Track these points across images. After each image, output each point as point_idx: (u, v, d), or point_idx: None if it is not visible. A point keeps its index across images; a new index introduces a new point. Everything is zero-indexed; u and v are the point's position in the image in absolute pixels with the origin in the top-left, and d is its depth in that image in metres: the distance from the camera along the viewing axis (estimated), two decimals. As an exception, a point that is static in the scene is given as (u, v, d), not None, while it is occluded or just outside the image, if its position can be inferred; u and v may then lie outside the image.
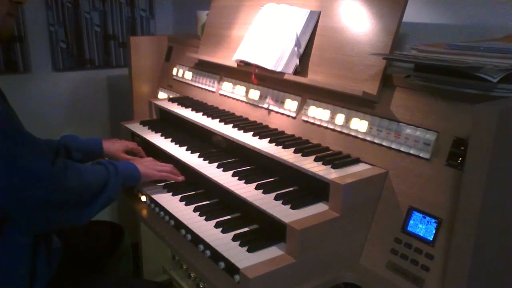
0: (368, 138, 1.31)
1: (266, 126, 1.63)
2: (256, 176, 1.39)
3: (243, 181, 1.36)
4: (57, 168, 1.16)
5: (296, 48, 1.52)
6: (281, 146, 1.41)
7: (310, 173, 1.25)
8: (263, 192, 1.29)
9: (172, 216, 1.37)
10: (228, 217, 1.35)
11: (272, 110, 1.65)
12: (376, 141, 1.29)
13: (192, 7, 2.32)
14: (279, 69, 1.53)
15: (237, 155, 1.56)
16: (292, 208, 1.20)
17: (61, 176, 1.16)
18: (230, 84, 1.84)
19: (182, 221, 1.32)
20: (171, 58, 2.32)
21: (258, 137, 1.51)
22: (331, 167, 1.26)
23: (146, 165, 1.50)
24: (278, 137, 1.48)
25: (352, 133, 1.36)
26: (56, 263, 1.33)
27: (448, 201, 1.10)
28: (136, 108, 2.35)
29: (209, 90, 1.98)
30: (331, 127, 1.42)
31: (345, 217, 1.18)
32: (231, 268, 1.12)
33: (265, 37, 1.63)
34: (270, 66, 1.55)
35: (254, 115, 1.71)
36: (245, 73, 1.72)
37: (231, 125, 1.62)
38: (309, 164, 1.28)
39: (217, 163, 1.49)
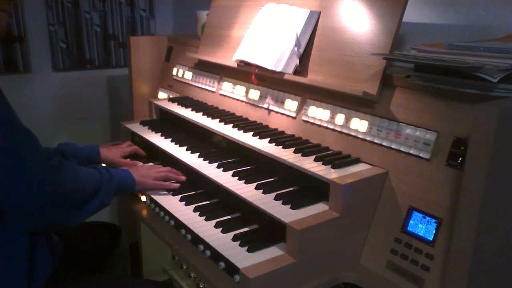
0: (368, 138, 1.31)
1: (266, 126, 1.63)
2: (256, 176, 1.39)
3: (243, 181, 1.36)
4: (51, 163, 1.16)
5: (296, 48, 1.52)
6: (281, 146, 1.41)
7: (310, 173, 1.25)
8: (263, 192, 1.29)
9: (172, 216, 1.37)
10: (228, 217, 1.35)
11: (272, 110, 1.65)
12: (376, 141, 1.29)
13: (192, 7, 2.32)
14: (279, 69, 1.53)
15: (237, 155, 1.56)
16: (292, 208, 1.20)
17: (55, 172, 1.16)
18: (230, 84, 1.84)
19: (182, 221, 1.32)
20: (171, 58, 2.32)
21: (258, 137, 1.51)
22: (331, 167, 1.26)
23: (142, 174, 1.49)
24: (278, 137, 1.48)
25: (352, 133, 1.36)
26: (55, 261, 1.33)
27: (448, 201, 1.10)
28: (136, 108, 2.35)
29: (209, 90, 1.98)
30: (331, 127, 1.42)
31: (345, 217, 1.18)
32: (231, 268, 1.11)
33: (265, 37, 1.63)
34: (270, 66, 1.55)
35: (254, 115, 1.71)
36: (245, 73, 1.72)
37: (231, 125, 1.62)
38: (309, 164, 1.28)
39: (217, 163, 1.49)
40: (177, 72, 2.20)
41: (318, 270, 1.18)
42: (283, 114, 1.60)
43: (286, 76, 1.52)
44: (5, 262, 1.18)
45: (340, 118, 1.39)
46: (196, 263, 1.21)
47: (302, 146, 1.40)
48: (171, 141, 1.72)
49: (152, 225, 1.43)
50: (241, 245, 1.19)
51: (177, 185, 1.52)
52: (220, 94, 1.91)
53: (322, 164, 1.28)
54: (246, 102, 1.76)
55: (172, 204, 1.43)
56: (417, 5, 1.53)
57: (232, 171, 1.42)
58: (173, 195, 1.49)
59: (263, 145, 1.44)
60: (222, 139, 1.64)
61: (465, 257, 0.97)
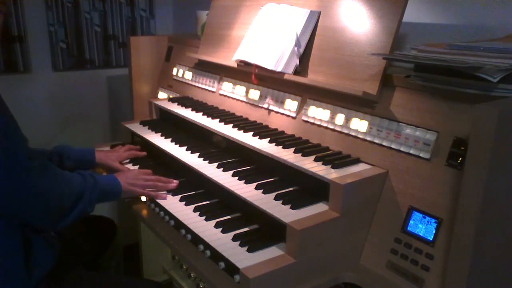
0: (368, 138, 1.31)
1: (266, 126, 1.63)
2: (256, 176, 1.39)
3: (243, 181, 1.36)
4: (33, 164, 1.14)
5: (296, 48, 1.52)
6: (281, 146, 1.41)
7: (310, 173, 1.25)
8: (263, 192, 1.29)
9: (172, 216, 1.37)
10: (228, 217, 1.35)
11: (272, 110, 1.65)
12: (376, 141, 1.29)
13: (192, 7, 2.32)
14: (279, 69, 1.53)
15: (237, 155, 1.56)
16: (292, 208, 1.20)
17: (36, 174, 1.15)
18: (230, 84, 1.84)
19: (182, 221, 1.32)
20: (171, 58, 2.32)
21: (258, 137, 1.51)
22: (331, 167, 1.26)
23: (130, 181, 1.46)
24: (278, 137, 1.48)
25: (352, 133, 1.36)
26: (54, 257, 1.32)
27: (448, 201, 1.10)
28: (136, 108, 2.35)
29: (209, 90, 1.98)
30: (331, 127, 1.42)
31: (345, 217, 1.18)
32: (231, 268, 1.12)
33: (265, 37, 1.63)
34: (270, 66, 1.55)
35: (254, 115, 1.71)
36: (245, 73, 1.72)
37: (231, 125, 1.62)
38: (309, 164, 1.28)
39: (217, 163, 1.49)
40: (177, 72, 2.20)
41: (318, 270, 1.18)
42: (283, 114, 1.60)
43: (286, 76, 1.52)
44: (2, 259, 1.18)
45: (340, 118, 1.39)
46: (196, 263, 1.21)
47: (302, 146, 1.40)
48: (171, 141, 1.72)
49: (152, 225, 1.43)
50: (241, 245, 1.19)
51: (165, 195, 1.49)
52: (220, 94, 1.91)
53: (322, 164, 1.28)
54: (246, 102, 1.76)
55: (172, 204, 1.44)
56: (417, 5, 1.53)
57: (232, 171, 1.42)
58: (173, 195, 1.49)
59: (263, 145, 1.44)
60: (222, 139, 1.64)
61: (465, 257, 0.97)
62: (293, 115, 1.56)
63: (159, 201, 1.45)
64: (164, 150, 1.66)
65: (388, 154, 1.26)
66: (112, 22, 2.60)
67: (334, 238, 1.18)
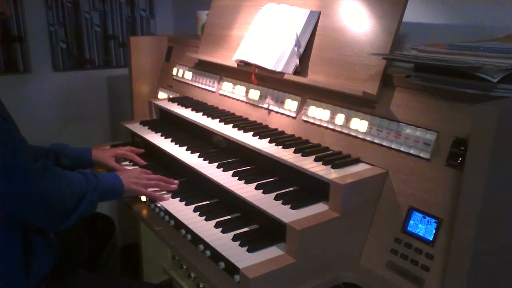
0: (368, 138, 1.31)
1: (266, 126, 1.63)
2: (256, 176, 1.39)
3: (243, 181, 1.36)
4: (35, 167, 1.14)
5: (296, 48, 1.52)
6: (281, 146, 1.41)
7: (310, 173, 1.25)
8: (263, 192, 1.29)
9: (172, 216, 1.37)
10: (228, 217, 1.35)
11: (272, 110, 1.65)
12: (376, 141, 1.29)
13: (192, 7, 2.32)
14: (279, 69, 1.53)
15: (237, 155, 1.56)
16: (292, 208, 1.20)
17: (38, 176, 1.15)
18: (230, 84, 1.84)
19: (182, 221, 1.32)
20: (171, 58, 2.32)
21: (258, 137, 1.51)
22: (331, 167, 1.26)
23: (132, 180, 1.45)
24: (278, 137, 1.48)
25: (352, 133, 1.36)
26: (54, 256, 1.32)
27: (448, 201, 1.10)
28: (136, 108, 2.35)
29: (209, 90, 1.98)
30: (331, 127, 1.42)
31: (345, 217, 1.18)
32: (231, 268, 1.12)
33: (265, 37, 1.63)
34: (270, 66, 1.55)
35: (254, 115, 1.71)
36: (245, 73, 1.72)
37: (231, 125, 1.62)
38: (309, 164, 1.28)
39: (217, 163, 1.49)
40: (177, 72, 2.20)
41: (318, 270, 1.18)
42: (283, 114, 1.60)
43: (286, 76, 1.52)
44: (2, 260, 1.18)
45: (340, 118, 1.39)
46: (196, 263, 1.21)
47: (302, 146, 1.40)
48: (171, 141, 1.72)
49: (152, 225, 1.43)
50: (241, 245, 1.19)
51: (168, 197, 1.48)
52: (220, 94, 1.91)
53: (322, 164, 1.28)
54: (246, 102, 1.76)
55: (172, 204, 1.44)
56: (417, 5, 1.53)
57: (232, 171, 1.42)
58: (173, 195, 1.49)
59: (263, 145, 1.44)
60: (222, 139, 1.64)
61: (465, 257, 0.97)
62: (293, 115, 1.56)
63: (159, 200, 1.45)
64: (164, 150, 1.66)
65: (388, 154, 1.26)
66: (112, 22, 2.60)
67: (334, 238, 1.18)
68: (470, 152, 0.92)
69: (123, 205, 2.62)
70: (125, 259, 2.36)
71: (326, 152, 1.38)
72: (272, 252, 1.16)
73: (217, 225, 1.29)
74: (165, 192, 1.51)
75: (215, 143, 1.69)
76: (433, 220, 1.12)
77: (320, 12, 1.52)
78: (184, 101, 1.96)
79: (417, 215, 1.16)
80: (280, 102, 1.61)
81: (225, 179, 1.39)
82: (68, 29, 2.46)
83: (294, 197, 1.26)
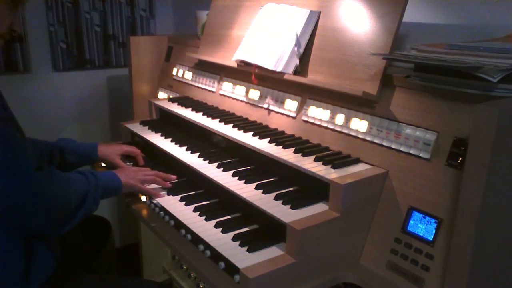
0: (368, 138, 1.31)
1: (266, 126, 1.63)
2: (256, 176, 1.39)
3: (243, 181, 1.36)
4: (42, 175, 1.15)
5: (296, 48, 1.52)
6: (281, 146, 1.41)
7: (310, 173, 1.25)
8: (263, 192, 1.29)
9: (172, 216, 1.37)
10: (228, 217, 1.35)
11: (272, 110, 1.65)
12: (376, 141, 1.29)
13: (192, 7, 2.32)
14: (279, 69, 1.53)
15: (237, 155, 1.56)
16: (292, 208, 1.20)
17: (44, 183, 1.15)
18: (230, 84, 1.84)
19: (182, 221, 1.32)
20: (171, 58, 2.32)
21: (258, 137, 1.51)
22: (331, 167, 1.26)
23: (129, 176, 1.47)
24: (278, 137, 1.48)
25: (352, 133, 1.36)
26: (56, 260, 1.32)
27: (448, 201, 1.10)
28: (136, 108, 2.35)
29: (209, 90, 1.98)
30: (331, 127, 1.42)
31: (345, 217, 1.18)
32: (231, 268, 1.11)
33: (265, 37, 1.63)
34: (270, 66, 1.55)
35: (254, 115, 1.71)
36: (245, 73, 1.72)
37: (231, 125, 1.62)
38: (309, 164, 1.28)
39: (217, 163, 1.49)
40: (177, 72, 2.20)
41: (318, 270, 1.18)
42: (283, 114, 1.60)
43: (286, 76, 1.52)
44: (2, 265, 1.18)
45: (340, 118, 1.39)
46: (196, 263, 1.21)
47: (302, 146, 1.40)
48: (171, 141, 1.72)
49: (152, 225, 1.43)
50: (241, 245, 1.19)
51: (164, 194, 1.49)
52: (220, 94, 1.91)
53: (322, 164, 1.28)
54: (246, 102, 1.76)
55: (172, 204, 1.43)
56: (417, 5, 1.53)
57: (232, 171, 1.42)
58: (173, 195, 1.49)
59: (263, 145, 1.44)
60: (222, 139, 1.64)
61: (465, 257, 0.97)
62: (293, 115, 1.56)
63: (159, 201, 1.45)
64: (164, 150, 1.66)
65: (388, 154, 1.26)
66: (112, 22, 2.60)
67: (334, 238, 1.18)
68: (470, 152, 0.92)
69: (123, 205, 2.63)
70: (125, 259, 2.36)
71: (326, 152, 1.38)
72: (272, 252, 1.16)
73: (217, 225, 1.29)
74: (162, 188, 1.52)
75: (215, 143, 1.69)
76: (433, 220, 1.12)
77: (320, 12, 1.52)
78: (184, 101, 1.96)
79: (417, 215, 1.16)
80: (280, 102, 1.61)
81: (225, 179, 1.39)
82: (68, 29, 2.46)
83: (294, 197, 1.26)
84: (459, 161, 1.10)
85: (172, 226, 1.37)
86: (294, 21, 1.55)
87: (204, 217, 1.34)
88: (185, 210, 1.39)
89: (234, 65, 1.73)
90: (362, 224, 1.24)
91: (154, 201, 1.46)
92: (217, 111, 1.81)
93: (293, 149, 1.39)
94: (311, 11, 1.53)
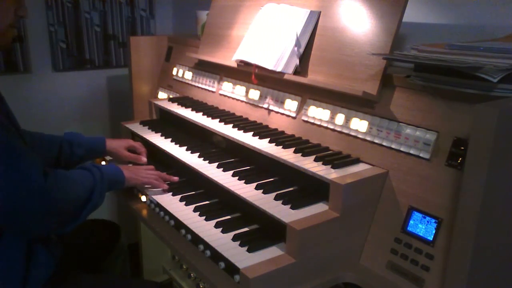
0: (368, 138, 1.31)
1: (266, 126, 1.63)
2: (256, 176, 1.39)
3: (243, 181, 1.36)
4: (48, 182, 1.15)
5: (296, 48, 1.52)
6: (281, 146, 1.41)
7: (310, 173, 1.25)
8: (263, 192, 1.29)
9: (172, 216, 1.37)
10: (228, 217, 1.35)
11: (272, 110, 1.65)
12: (376, 141, 1.29)
13: (192, 7, 2.32)
14: (279, 69, 1.53)
15: (237, 155, 1.56)
16: (292, 208, 1.20)
17: (53, 189, 1.15)
18: (230, 84, 1.84)
19: (182, 221, 1.32)
20: (171, 58, 2.32)
21: (258, 137, 1.51)
22: (331, 167, 1.26)
23: (132, 171, 1.48)
24: (278, 137, 1.48)
25: (352, 133, 1.36)
26: (56, 261, 1.32)
27: (448, 201, 1.10)
28: (136, 108, 2.35)
29: (209, 90, 1.98)
30: (331, 127, 1.42)
31: (345, 217, 1.18)
32: (231, 268, 1.12)
33: (265, 37, 1.63)
34: (270, 66, 1.55)
35: (254, 115, 1.71)
36: (245, 73, 1.72)
37: (231, 125, 1.62)
38: (309, 164, 1.28)
39: (217, 163, 1.49)
40: (177, 72, 2.20)
41: (318, 270, 1.18)
42: (283, 114, 1.60)
43: (286, 76, 1.52)
44: (2, 266, 1.18)
45: (340, 118, 1.39)
46: (196, 263, 1.21)
47: (302, 146, 1.40)
48: (171, 141, 1.72)
49: (152, 225, 1.43)
50: (241, 245, 1.19)
51: (166, 186, 1.51)
52: (220, 94, 1.91)
53: (322, 164, 1.28)
54: (246, 102, 1.76)
55: (172, 204, 1.43)
56: (417, 5, 1.53)
57: (232, 171, 1.42)
58: (173, 195, 1.49)
59: (263, 145, 1.44)
60: (222, 139, 1.64)
61: (465, 257, 0.97)
62: (293, 115, 1.56)
63: (159, 201, 1.45)
64: (164, 150, 1.66)
65: (388, 154, 1.26)
66: (112, 22, 2.60)
67: (334, 238, 1.18)
68: (470, 152, 0.92)
69: (123, 205, 2.63)
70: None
71: (326, 152, 1.38)
72: (272, 252, 1.16)
73: (217, 225, 1.29)
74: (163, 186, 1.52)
75: (215, 143, 1.69)
76: (433, 220, 1.13)
77: (320, 12, 1.52)
78: (184, 101, 1.96)
79: (417, 215, 1.16)
80: (280, 102, 1.61)
81: (225, 179, 1.39)
82: (68, 29, 2.46)
83: (294, 197, 1.26)
84: (459, 161, 1.10)
85: (172, 226, 1.37)
86: (294, 21, 1.55)
87: (204, 217, 1.34)
88: (185, 210, 1.39)
89: (234, 65, 1.73)
90: (362, 224, 1.24)
91: (154, 201, 1.46)
92: (217, 111, 1.81)
93: (293, 149, 1.39)
94: (311, 11, 1.53)
